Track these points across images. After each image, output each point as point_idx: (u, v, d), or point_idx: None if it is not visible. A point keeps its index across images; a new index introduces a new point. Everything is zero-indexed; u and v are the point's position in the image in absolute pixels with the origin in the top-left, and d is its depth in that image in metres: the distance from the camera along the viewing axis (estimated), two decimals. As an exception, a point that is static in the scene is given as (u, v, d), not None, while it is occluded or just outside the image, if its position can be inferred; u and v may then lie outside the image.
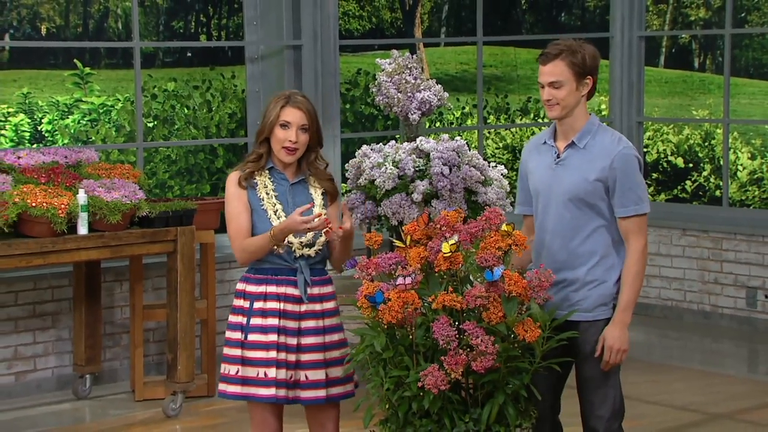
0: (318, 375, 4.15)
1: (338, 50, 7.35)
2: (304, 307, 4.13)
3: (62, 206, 5.48)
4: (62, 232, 5.53)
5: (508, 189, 5.92)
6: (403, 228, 4.07)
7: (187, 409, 6.11)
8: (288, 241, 4.09)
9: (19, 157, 5.93)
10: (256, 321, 4.11)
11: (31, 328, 6.43)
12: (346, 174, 6.10)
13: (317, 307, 4.16)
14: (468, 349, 3.68)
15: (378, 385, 3.84)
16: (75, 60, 7.61)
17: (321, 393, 4.16)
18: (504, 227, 3.85)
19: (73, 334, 6.40)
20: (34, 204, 5.42)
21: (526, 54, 10.06)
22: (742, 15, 8.82)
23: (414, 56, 6.30)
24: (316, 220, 3.98)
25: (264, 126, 4.13)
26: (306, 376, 4.13)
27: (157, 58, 8.06)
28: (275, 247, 4.09)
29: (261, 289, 4.13)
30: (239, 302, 4.17)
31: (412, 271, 3.78)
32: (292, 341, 4.11)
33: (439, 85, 6.19)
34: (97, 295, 6.32)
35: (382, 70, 6.17)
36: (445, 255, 3.77)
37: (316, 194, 4.19)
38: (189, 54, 8.23)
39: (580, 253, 3.98)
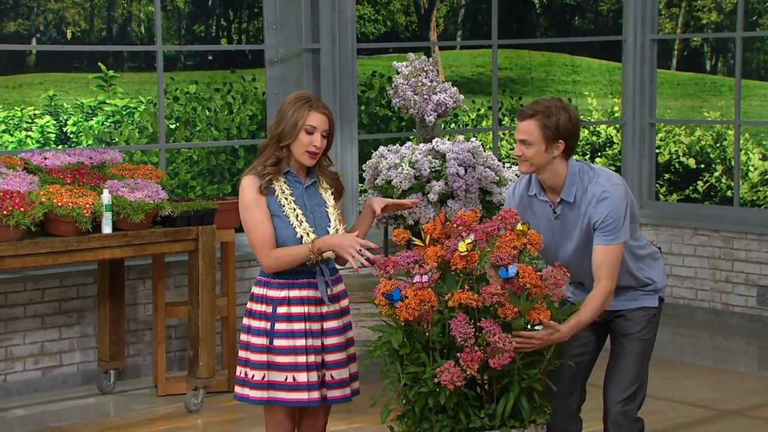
0: (343, 374, 4.15)
1: (356, 53, 7.41)
2: (325, 308, 4.11)
3: (87, 206, 5.53)
4: (87, 231, 5.59)
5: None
6: (420, 227, 4.14)
7: (208, 404, 6.17)
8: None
9: (45, 158, 5.98)
10: (281, 326, 4.06)
11: (57, 324, 6.50)
12: (363, 175, 6.19)
13: (336, 306, 4.16)
14: (485, 346, 3.73)
15: (395, 380, 3.88)
16: (99, 63, 7.69)
17: (347, 391, 4.17)
18: (519, 226, 3.90)
19: (98, 330, 6.45)
20: (59, 204, 5.48)
21: (540, 57, 10.13)
22: (754, 18, 8.86)
23: (429, 59, 6.38)
24: (366, 254, 3.95)
25: (286, 130, 4.04)
26: (332, 376, 4.12)
27: (179, 62, 8.14)
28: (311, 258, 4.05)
29: (283, 293, 4.08)
30: (260, 307, 4.11)
31: (429, 269, 3.82)
32: (317, 342, 4.10)
33: (455, 88, 6.24)
34: (120, 292, 6.38)
35: (399, 73, 6.24)
36: (461, 254, 3.81)
37: (327, 195, 4.17)
38: (210, 57, 8.29)
39: (620, 281, 4.12)
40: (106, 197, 5.65)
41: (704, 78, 9.89)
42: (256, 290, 4.14)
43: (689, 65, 9.95)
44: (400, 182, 5.83)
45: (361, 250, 3.96)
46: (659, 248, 4.39)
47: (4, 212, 5.36)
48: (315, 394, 4.08)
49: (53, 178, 5.82)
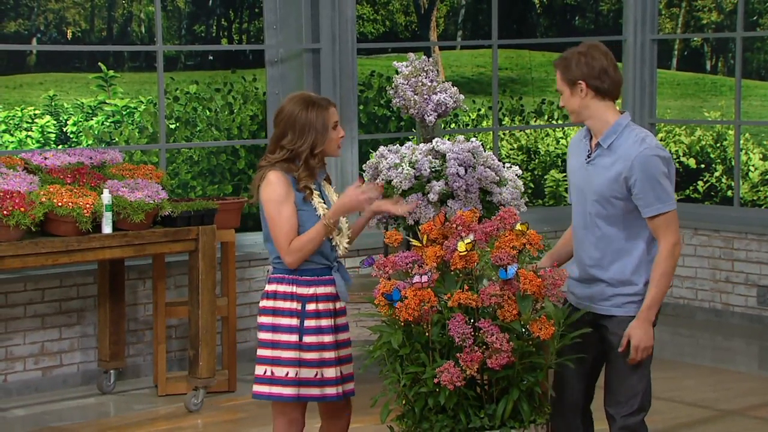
0: (351, 368, 4.26)
1: (356, 53, 7.42)
2: (338, 304, 4.21)
3: (87, 206, 5.55)
4: (87, 231, 5.60)
5: (522, 189, 5.98)
6: (419, 227, 4.14)
7: (208, 403, 6.18)
8: (334, 243, 4.16)
9: (45, 158, 5.99)
10: (310, 323, 4.11)
11: (57, 324, 6.50)
12: (364, 175, 6.19)
13: (343, 303, 4.26)
14: (483, 347, 3.72)
15: (395, 381, 3.88)
16: (99, 63, 7.70)
17: (353, 385, 4.28)
18: (518, 227, 3.90)
19: (98, 330, 6.46)
20: (60, 204, 5.49)
21: (540, 57, 10.14)
22: (754, 18, 8.86)
23: (430, 59, 6.37)
24: (368, 187, 4.09)
25: (318, 137, 4.13)
26: (347, 370, 4.24)
27: (179, 62, 8.15)
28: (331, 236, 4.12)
29: (311, 290, 4.13)
30: (288, 304, 4.13)
31: (428, 269, 3.82)
32: (333, 338, 4.18)
33: (455, 88, 6.24)
34: (121, 292, 6.39)
35: (399, 73, 6.24)
36: (460, 254, 3.81)
37: (331, 191, 4.30)
38: (211, 57, 8.30)
39: (611, 251, 4.03)
40: (106, 197, 5.67)
41: (704, 78, 9.90)
42: (282, 288, 4.14)
43: (689, 65, 9.96)
44: (400, 182, 5.83)
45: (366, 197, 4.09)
46: None
47: (5, 212, 5.37)
48: (340, 389, 4.17)
49: (53, 178, 5.83)
